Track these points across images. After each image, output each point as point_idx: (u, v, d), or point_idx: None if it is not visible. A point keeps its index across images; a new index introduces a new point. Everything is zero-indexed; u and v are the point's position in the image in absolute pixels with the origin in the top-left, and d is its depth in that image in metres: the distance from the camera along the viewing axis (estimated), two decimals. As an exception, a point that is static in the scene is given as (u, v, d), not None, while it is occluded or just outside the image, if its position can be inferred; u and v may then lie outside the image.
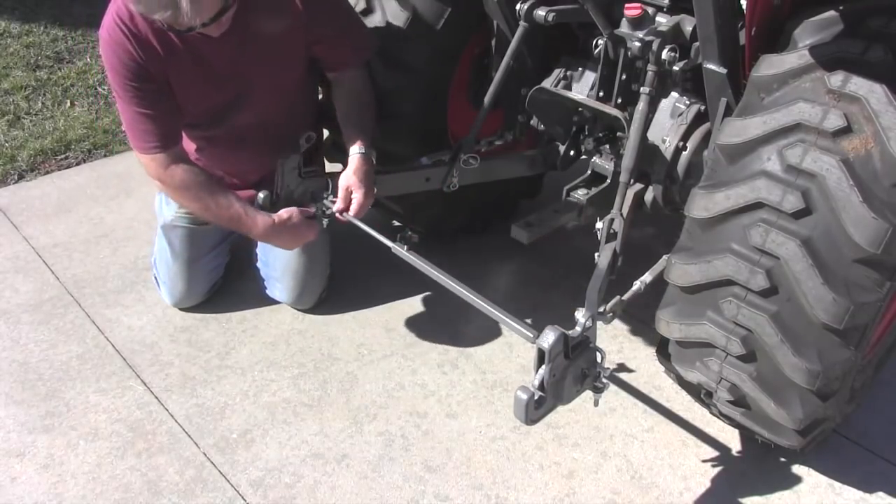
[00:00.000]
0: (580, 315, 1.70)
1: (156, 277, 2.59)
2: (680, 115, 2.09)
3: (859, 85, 1.49)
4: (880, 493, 2.01)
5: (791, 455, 2.07)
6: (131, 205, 3.11)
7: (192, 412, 2.21)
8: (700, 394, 1.96)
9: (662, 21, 2.02)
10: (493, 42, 2.42)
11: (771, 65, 1.63)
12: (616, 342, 2.48)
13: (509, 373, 2.36)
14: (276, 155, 2.08)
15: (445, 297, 1.94)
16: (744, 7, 1.71)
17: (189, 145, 2.28)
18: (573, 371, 1.64)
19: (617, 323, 2.42)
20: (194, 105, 2.13)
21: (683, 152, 2.08)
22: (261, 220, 2.08)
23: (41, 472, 2.03)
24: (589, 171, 2.26)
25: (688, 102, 2.08)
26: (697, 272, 1.68)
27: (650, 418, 2.22)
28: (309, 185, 2.17)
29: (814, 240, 1.51)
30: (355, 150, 2.13)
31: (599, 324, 1.75)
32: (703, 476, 2.05)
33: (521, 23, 2.17)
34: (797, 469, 2.07)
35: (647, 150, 2.07)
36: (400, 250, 1.96)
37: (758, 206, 1.56)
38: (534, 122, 2.38)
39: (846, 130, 1.49)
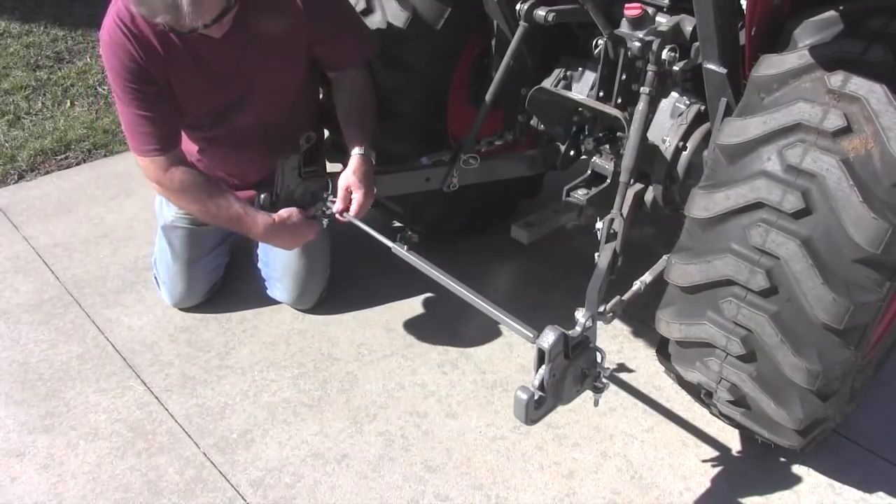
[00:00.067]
0: (580, 315, 1.70)
1: (156, 277, 2.59)
2: (680, 115, 2.09)
3: (859, 85, 1.49)
4: (880, 493, 2.01)
5: (791, 455, 2.07)
6: (131, 205, 3.11)
7: (192, 412, 2.21)
8: (700, 394, 1.96)
9: (662, 21, 2.02)
10: (493, 42, 2.42)
11: (771, 65, 1.63)
12: (616, 342, 2.48)
13: (509, 373, 2.36)
14: (278, 155, 2.08)
15: (445, 297, 1.95)
16: (744, 7, 1.71)
17: (191, 147, 2.28)
18: (573, 371, 1.64)
19: (617, 323, 2.42)
20: (195, 106, 2.13)
21: (683, 152, 2.08)
22: (261, 219, 2.08)
23: (41, 472, 2.03)
24: (589, 171, 2.26)
25: (688, 102, 2.08)
26: (697, 272, 1.68)
27: (650, 418, 2.22)
28: (309, 185, 2.18)
29: (814, 240, 1.51)
30: (355, 151, 2.14)
31: (599, 324, 1.75)
32: (703, 476, 2.05)
33: (521, 23, 2.17)
34: (797, 469, 2.07)
35: (647, 150, 2.07)
36: (400, 250, 1.96)
37: (758, 206, 1.56)
38: (534, 122, 2.38)
39: (846, 130, 1.49)
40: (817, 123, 1.51)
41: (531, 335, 1.63)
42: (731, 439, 2.15)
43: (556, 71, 2.32)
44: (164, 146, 2.05)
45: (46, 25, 4.59)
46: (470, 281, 1.85)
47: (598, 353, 1.70)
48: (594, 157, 2.27)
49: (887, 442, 2.14)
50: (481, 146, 2.43)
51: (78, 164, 3.41)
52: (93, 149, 3.49)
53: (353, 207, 2.10)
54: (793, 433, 1.78)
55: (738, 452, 2.12)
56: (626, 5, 2.04)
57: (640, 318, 2.47)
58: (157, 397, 2.25)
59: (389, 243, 1.97)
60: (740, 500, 2.00)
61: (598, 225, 1.97)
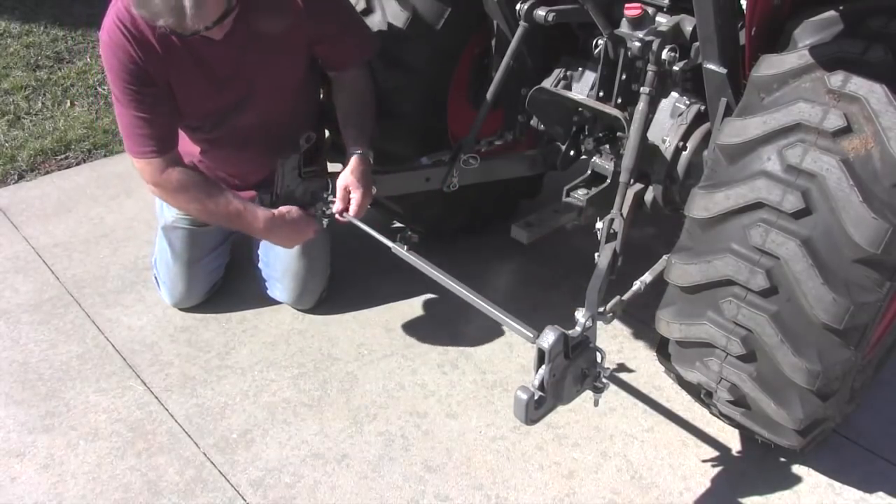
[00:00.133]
0: (580, 315, 1.70)
1: (156, 277, 2.59)
2: (680, 115, 2.09)
3: (859, 85, 1.49)
4: (880, 493, 2.01)
5: (791, 455, 2.07)
6: (131, 205, 3.11)
7: (192, 412, 2.21)
8: (700, 394, 1.96)
9: (662, 21, 2.02)
10: (493, 42, 2.42)
11: (771, 65, 1.63)
12: (616, 342, 2.48)
13: (509, 373, 2.36)
14: (279, 155, 2.08)
15: (445, 297, 1.95)
16: (744, 7, 1.71)
17: (192, 148, 2.28)
18: (573, 371, 1.64)
19: (617, 323, 2.42)
20: (196, 107, 2.13)
21: (683, 152, 2.08)
22: (261, 213, 2.09)
23: (41, 472, 2.03)
24: (589, 171, 2.26)
25: (688, 102, 2.08)
26: (697, 272, 1.68)
27: (650, 418, 2.22)
28: (309, 185, 2.18)
29: (814, 240, 1.51)
30: (353, 151, 2.14)
31: (599, 324, 1.75)
32: (703, 476, 2.05)
33: (521, 23, 2.17)
34: (797, 469, 2.07)
35: (647, 150, 2.07)
36: (400, 250, 1.96)
37: (758, 206, 1.56)
38: (534, 122, 2.38)
39: (846, 130, 1.49)
40: (817, 123, 1.51)
41: (531, 335, 1.63)
42: (731, 439, 2.15)
43: (556, 71, 2.32)
44: (161, 148, 2.05)
45: (46, 25, 4.59)
46: (470, 281, 1.85)
47: (598, 353, 1.70)
48: (594, 157, 2.27)
49: (887, 442, 2.14)
50: (481, 146, 2.44)
51: (78, 164, 3.41)
52: (93, 149, 3.50)
53: (353, 207, 2.10)
54: (793, 433, 1.78)
55: (738, 452, 2.12)
56: (626, 5, 2.04)
57: (640, 318, 2.47)
58: (157, 397, 2.25)
59: (389, 243, 1.97)
60: (740, 500, 2.00)
61: (598, 225, 1.97)
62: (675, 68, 1.99)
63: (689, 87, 2.10)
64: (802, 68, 1.58)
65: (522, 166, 2.51)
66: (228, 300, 2.61)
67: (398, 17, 2.26)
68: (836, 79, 1.52)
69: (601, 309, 1.77)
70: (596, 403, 1.78)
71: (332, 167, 2.40)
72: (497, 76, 2.27)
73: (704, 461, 2.09)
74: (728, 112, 1.84)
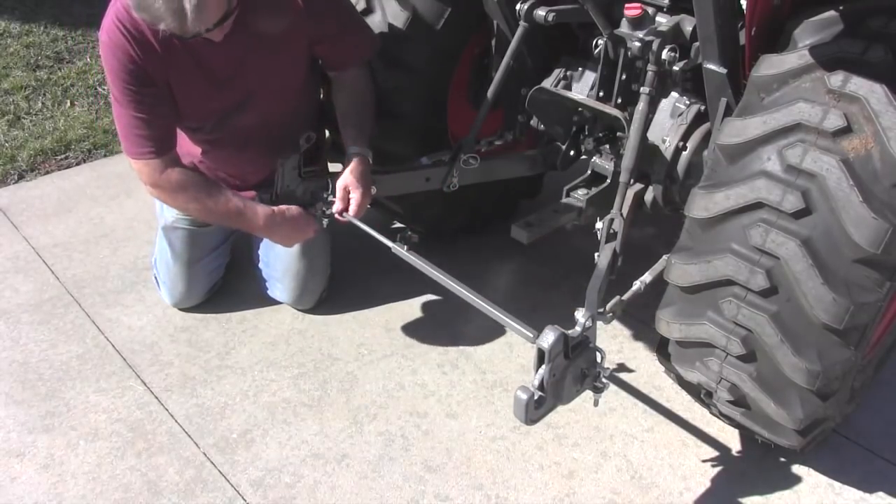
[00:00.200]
0: (580, 315, 1.70)
1: (156, 277, 2.59)
2: (680, 115, 2.09)
3: (859, 85, 1.49)
4: (880, 493, 2.01)
5: (791, 455, 2.08)
6: (131, 205, 3.11)
7: (192, 412, 2.21)
8: (700, 394, 1.96)
9: (662, 21, 2.02)
10: (493, 42, 2.42)
11: (771, 65, 1.63)
12: (616, 342, 2.48)
13: (509, 373, 2.36)
14: (280, 155, 2.08)
15: (445, 297, 1.95)
16: (744, 7, 1.71)
17: (193, 149, 2.28)
18: (573, 371, 1.64)
19: (617, 323, 2.42)
20: (197, 108, 2.13)
21: (683, 152, 2.08)
22: (261, 210, 2.09)
23: (41, 472, 2.03)
24: (589, 171, 2.26)
25: (688, 102, 2.08)
26: (697, 272, 1.68)
27: (650, 418, 2.22)
28: (309, 185, 2.18)
29: (814, 240, 1.51)
30: (352, 150, 2.14)
31: (599, 324, 1.75)
32: (703, 476, 2.05)
33: (521, 23, 2.17)
34: (797, 469, 2.07)
35: (647, 150, 2.07)
36: (400, 250, 1.96)
37: (758, 206, 1.56)
38: (534, 122, 2.38)
39: (846, 130, 1.49)
40: (817, 123, 1.51)
41: (531, 335, 1.63)
42: (731, 439, 2.15)
43: (556, 71, 2.32)
44: (159, 149, 2.04)
45: (46, 25, 4.59)
46: (470, 281, 1.85)
47: (597, 353, 1.70)
48: (594, 157, 2.27)
49: (887, 442, 2.14)
50: (481, 146, 2.44)
51: (78, 164, 3.41)
52: (93, 149, 3.50)
53: (352, 207, 2.10)
54: (793, 433, 1.78)
55: (738, 452, 2.12)
56: (626, 5, 2.04)
57: (640, 318, 2.47)
58: (157, 397, 2.25)
59: (389, 243, 1.97)
60: (740, 500, 2.00)
61: (598, 225, 1.97)
62: (675, 68, 1.99)
63: (689, 87, 2.10)
64: (802, 68, 1.58)
65: (522, 166, 2.51)
66: (228, 300, 2.61)
67: (398, 17, 2.26)
68: (836, 79, 1.52)
69: (601, 309, 1.77)
70: (596, 403, 1.78)
71: (332, 167, 2.40)
72: (497, 76, 2.27)
73: (704, 461, 2.09)
74: (728, 112, 1.84)
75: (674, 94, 2.11)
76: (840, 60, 1.55)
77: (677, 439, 2.16)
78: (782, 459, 2.09)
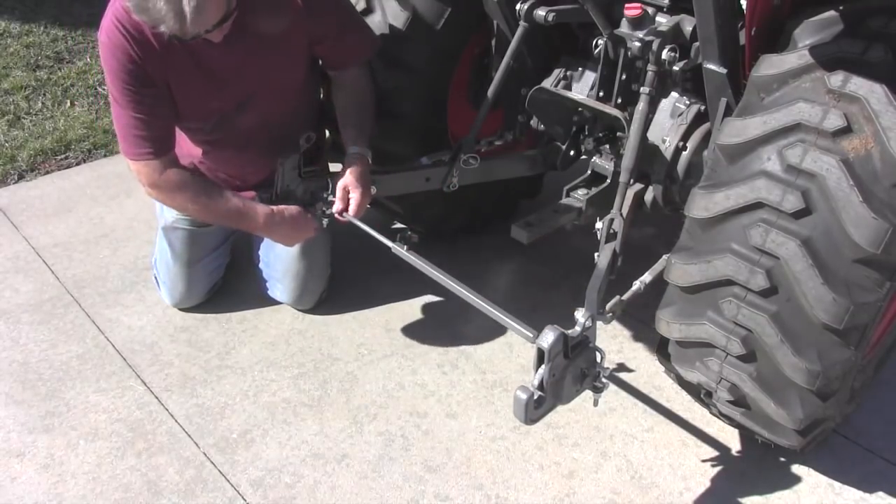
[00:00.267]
0: (580, 315, 1.70)
1: (156, 277, 2.59)
2: (680, 115, 2.09)
3: (859, 85, 1.49)
4: (880, 493, 2.01)
5: (791, 455, 2.08)
6: (131, 205, 3.11)
7: (192, 412, 2.21)
8: (700, 394, 1.96)
9: (662, 21, 2.02)
10: (493, 42, 2.42)
11: (771, 65, 1.63)
12: (616, 342, 2.48)
13: (509, 373, 2.36)
14: (280, 155, 2.08)
15: (445, 297, 1.95)
16: (744, 7, 1.71)
17: (193, 150, 2.28)
18: (573, 371, 1.64)
19: (617, 323, 2.42)
20: (196, 108, 2.13)
21: (683, 152, 2.08)
22: (260, 210, 2.09)
23: (41, 472, 2.03)
24: (589, 171, 2.26)
25: (688, 102, 2.08)
26: (697, 272, 1.68)
27: (650, 418, 2.22)
28: (309, 184, 2.18)
29: (814, 240, 1.51)
30: (352, 150, 2.14)
31: (599, 324, 1.75)
32: (703, 476, 2.05)
33: (521, 23, 2.17)
34: (797, 469, 2.07)
35: (647, 150, 2.07)
36: (400, 250, 1.96)
37: (758, 206, 1.56)
38: (534, 122, 2.38)
39: (846, 130, 1.49)
40: (817, 123, 1.51)
41: (531, 335, 1.63)
42: (731, 439, 2.15)
43: (556, 71, 2.32)
44: (158, 149, 2.04)
45: (46, 25, 4.59)
46: (470, 281, 1.85)
47: (597, 353, 1.70)
48: (594, 157, 2.27)
49: (886, 442, 2.14)
50: (481, 146, 2.43)
51: (78, 164, 3.41)
52: (93, 149, 3.50)
53: (352, 207, 2.10)
54: (793, 433, 1.78)
55: (738, 452, 2.12)
56: (626, 5, 2.04)
57: (640, 318, 2.47)
58: (157, 397, 2.25)
59: (389, 243, 1.97)
60: (740, 500, 2.00)
61: (598, 225, 1.97)
62: (675, 68, 1.99)
63: (689, 87, 2.10)
64: (802, 68, 1.58)
65: (522, 166, 2.51)
66: (228, 300, 2.61)
67: (398, 17, 2.26)
68: (836, 79, 1.52)
69: (601, 309, 1.77)
70: (596, 403, 1.78)
71: (332, 167, 2.40)
72: (497, 76, 2.27)
73: (704, 461, 2.09)
74: (728, 112, 1.84)
75: (674, 94, 2.11)
76: (840, 60, 1.55)
77: (677, 439, 2.16)
78: (782, 459, 2.10)
